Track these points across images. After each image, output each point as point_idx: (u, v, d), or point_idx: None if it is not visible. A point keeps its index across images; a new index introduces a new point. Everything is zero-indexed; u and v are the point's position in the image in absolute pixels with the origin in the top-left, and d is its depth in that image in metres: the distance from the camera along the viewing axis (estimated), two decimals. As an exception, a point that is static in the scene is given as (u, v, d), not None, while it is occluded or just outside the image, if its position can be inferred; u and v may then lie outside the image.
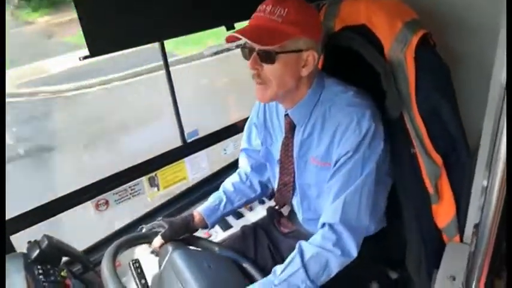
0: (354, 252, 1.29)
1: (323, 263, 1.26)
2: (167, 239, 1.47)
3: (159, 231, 1.49)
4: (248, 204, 1.81)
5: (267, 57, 1.22)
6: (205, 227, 1.62)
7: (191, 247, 1.55)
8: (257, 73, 1.26)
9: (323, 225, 1.31)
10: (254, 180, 1.73)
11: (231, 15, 1.72)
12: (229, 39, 1.25)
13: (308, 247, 1.28)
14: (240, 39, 1.23)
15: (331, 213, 1.29)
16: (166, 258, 1.40)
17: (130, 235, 1.49)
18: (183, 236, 1.55)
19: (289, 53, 1.22)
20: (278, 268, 1.27)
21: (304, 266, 1.24)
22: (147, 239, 1.51)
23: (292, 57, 1.24)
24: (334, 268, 1.28)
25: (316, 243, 1.28)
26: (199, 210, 1.62)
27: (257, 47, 1.22)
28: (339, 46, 1.44)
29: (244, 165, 1.74)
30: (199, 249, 1.57)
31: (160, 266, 1.43)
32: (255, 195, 1.74)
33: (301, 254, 1.27)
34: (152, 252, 1.56)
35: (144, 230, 1.52)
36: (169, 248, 1.42)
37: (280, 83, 1.27)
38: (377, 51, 1.33)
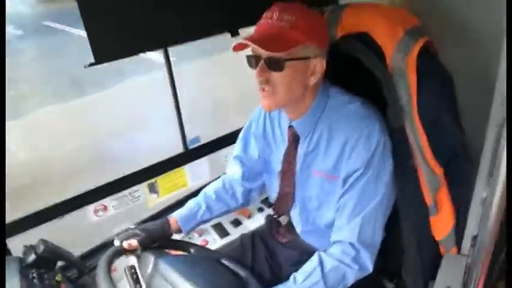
0: (370, 268, 1.32)
1: (341, 276, 1.29)
2: (142, 244, 1.42)
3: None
4: (227, 213, 1.75)
5: (275, 65, 1.21)
6: (179, 232, 1.59)
7: (173, 252, 1.52)
8: (265, 80, 1.24)
9: (339, 241, 1.32)
10: (237, 190, 1.70)
11: (236, 21, 1.73)
12: (236, 48, 1.24)
13: (328, 259, 1.30)
14: (246, 47, 1.22)
15: (349, 232, 1.30)
16: (150, 267, 1.35)
17: (104, 256, 1.38)
18: (158, 243, 1.50)
19: (297, 60, 1.21)
20: (298, 276, 1.28)
21: (324, 277, 1.27)
22: (119, 254, 1.42)
23: (301, 64, 1.23)
24: (351, 281, 1.32)
25: (335, 257, 1.29)
26: (175, 217, 1.58)
27: (265, 54, 1.20)
28: (341, 54, 1.44)
29: (233, 172, 1.70)
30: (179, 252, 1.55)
31: (143, 276, 1.38)
32: (236, 205, 1.71)
33: (321, 265, 1.28)
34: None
35: (116, 241, 1.43)
36: (151, 257, 1.37)
37: (287, 91, 1.25)
38: (379, 60, 1.33)
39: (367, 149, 1.25)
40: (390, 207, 1.41)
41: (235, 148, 1.70)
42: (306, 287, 1.26)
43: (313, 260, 1.31)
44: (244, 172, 1.68)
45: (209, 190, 1.68)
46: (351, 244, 1.29)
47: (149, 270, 1.34)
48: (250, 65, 1.27)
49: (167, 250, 1.52)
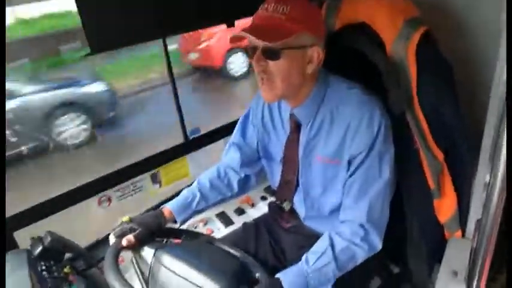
0: (379, 245, 1.34)
1: (351, 255, 1.31)
2: (140, 240, 1.37)
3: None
4: (222, 202, 1.70)
5: (272, 54, 1.22)
6: (174, 223, 1.56)
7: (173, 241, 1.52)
8: (263, 69, 1.25)
9: (350, 221, 1.34)
10: (233, 178, 1.67)
11: (232, 12, 1.72)
12: (233, 40, 1.26)
13: (338, 240, 1.31)
14: (243, 39, 1.23)
15: (358, 213, 1.32)
16: (152, 260, 1.33)
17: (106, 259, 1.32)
18: (155, 235, 1.46)
19: (293, 49, 1.22)
20: (310, 257, 1.30)
21: (335, 258, 1.29)
22: (119, 252, 1.35)
23: (297, 53, 1.24)
24: (360, 259, 1.34)
25: (345, 237, 1.31)
26: (169, 207, 1.53)
27: (261, 44, 1.21)
28: (340, 44, 1.44)
29: (231, 159, 1.68)
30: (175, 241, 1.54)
31: (143, 272, 1.37)
32: (231, 194, 1.68)
33: (332, 246, 1.30)
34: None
35: (111, 237, 1.38)
36: (151, 249, 1.35)
37: (285, 80, 1.26)
38: (379, 49, 1.34)
39: (370, 132, 1.27)
40: (393, 190, 1.43)
41: (233, 135, 1.69)
42: (318, 267, 1.28)
43: (324, 240, 1.33)
44: (243, 159, 1.66)
45: (203, 179, 1.65)
46: (361, 224, 1.31)
47: (151, 262, 1.33)
48: (248, 56, 1.29)
49: (164, 240, 1.51)
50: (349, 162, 1.32)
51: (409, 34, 1.27)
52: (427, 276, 1.50)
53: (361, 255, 1.32)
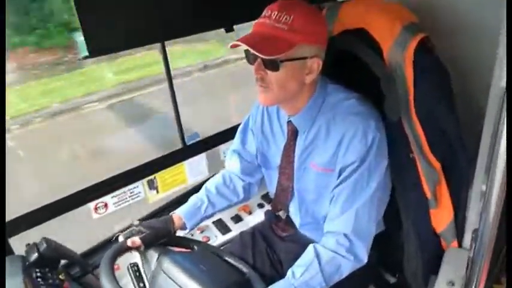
0: (365, 258, 1.33)
1: (337, 267, 1.30)
2: (146, 242, 1.41)
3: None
4: (230, 208, 1.75)
5: (271, 65, 1.21)
6: (183, 228, 1.58)
7: (176, 249, 1.52)
8: (261, 77, 1.25)
9: (334, 232, 1.33)
10: (238, 184, 1.70)
11: (232, 16, 1.72)
12: (234, 45, 1.24)
13: (324, 251, 1.31)
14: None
15: (343, 223, 1.31)
16: (155, 263, 1.36)
17: (108, 252, 1.37)
18: (162, 240, 1.49)
19: (293, 60, 1.21)
20: (296, 271, 1.29)
21: (322, 270, 1.28)
22: (122, 252, 1.40)
23: (297, 64, 1.23)
24: (346, 272, 1.32)
25: (330, 248, 1.30)
26: (178, 213, 1.57)
27: (261, 56, 1.20)
28: (338, 50, 1.45)
29: (232, 167, 1.71)
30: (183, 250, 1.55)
31: (146, 273, 1.40)
32: (237, 199, 1.71)
33: (318, 258, 1.29)
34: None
35: (120, 238, 1.43)
36: (155, 253, 1.38)
37: (283, 89, 1.26)
38: (376, 55, 1.34)
39: (363, 144, 1.27)
40: (385, 201, 1.43)
41: (234, 142, 1.71)
42: (304, 280, 1.26)
43: (309, 252, 1.32)
44: (243, 166, 1.69)
45: (210, 185, 1.68)
46: (345, 235, 1.30)
47: (153, 267, 1.35)
48: (249, 61, 1.28)
49: (171, 247, 1.52)
50: (339, 173, 1.33)
51: (406, 40, 1.26)
52: (423, 286, 1.49)
53: (347, 267, 1.31)
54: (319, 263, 1.28)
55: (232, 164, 1.71)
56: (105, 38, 1.44)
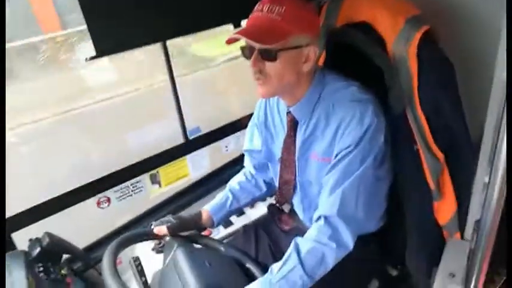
0: (350, 244, 1.28)
1: (319, 257, 1.25)
2: (171, 231, 1.50)
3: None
4: (254, 202, 1.82)
5: (269, 55, 1.23)
6: (211, 225, 1.64)
7: (196, 245, 1.56)
8: (259, 70, 1.26)
9: (318, 218, 1.31)
10: (259, 179, 1.75)
11: (237, 12, 1.72)
12: (230, 41, 1.26)
13: (304, 242, 1.27)
14: (238, 39, 1.24)
15: (329, 205, 1.28)
16: (171, 254, 1.41)
17: (130, 232, 1.48)
18: (189, 232, 1.57)
19: (290, 49, 1.23)
20: (275, 266, 1.26)
21: (301, 262, 1.23)
22: (147, 236, 1.52)
23: (293, 53, 1.24)
24: (331, 261, 1.27)
25: (311, 238, 1.27)
26: (206, 208, 1.64)
27: (258, 46, 1.22)
28: (341, 43, 1.44)
29: (248, 164, 1.77)
30: (203, 247, 1.58)
31: (164, 262, 1.44)
32: (261, 193, 1.76)
33: (297, 250, 1.26)
34: (153, 249, 1.56)
35: (153, 225, 1.54)
36: (175, 244, 1.43)
37: (281, 79, 1.27)
38: (380, 48, 1.33)
39: (358, 130, 1.25)
40: (383, 192, 1.43)
41: (245, 141, 1.73)
42: (283, 274, 1.23)
43: (290, 246, 1.28)
44: (255, 164, 1.74)
45: (233, 182, 1.75)
46: (327, 219, 1.27)
47: (168, 258, 1.41)
48: (245, 56, 1.29)
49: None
50: (335, 157, 1.31)
51: (410, 33, 1.26)
52: (425, 278, 1.49)
53: (330, 255, 1.26)
54: (299, 255, 1.24)
55: (246, 162, 1.77)
56: (112, 38, 1.49)
